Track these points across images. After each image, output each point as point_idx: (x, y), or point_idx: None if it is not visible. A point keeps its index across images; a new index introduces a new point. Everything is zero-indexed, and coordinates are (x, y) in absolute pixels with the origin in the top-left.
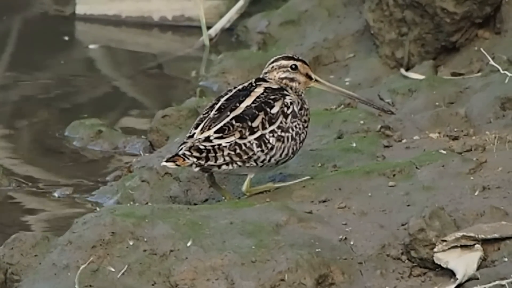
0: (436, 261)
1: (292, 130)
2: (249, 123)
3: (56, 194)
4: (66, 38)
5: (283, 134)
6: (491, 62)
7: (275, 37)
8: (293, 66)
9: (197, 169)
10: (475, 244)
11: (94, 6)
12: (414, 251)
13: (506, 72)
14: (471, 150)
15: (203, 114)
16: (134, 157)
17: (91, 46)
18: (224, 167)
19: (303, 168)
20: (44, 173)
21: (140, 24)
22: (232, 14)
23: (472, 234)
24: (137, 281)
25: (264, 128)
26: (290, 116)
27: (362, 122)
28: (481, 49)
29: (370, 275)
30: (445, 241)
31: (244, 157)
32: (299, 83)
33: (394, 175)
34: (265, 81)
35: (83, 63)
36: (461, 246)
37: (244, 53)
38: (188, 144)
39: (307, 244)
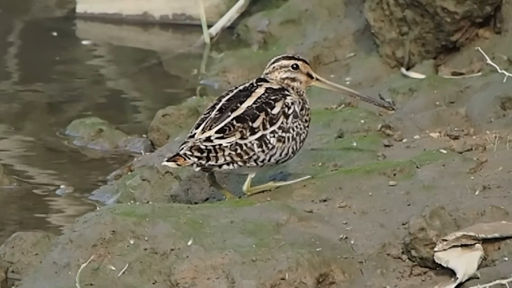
0: (436, 260)
1: (293, 130)
2: (250, 124)
3: (56, 193)
4: (66, 36)
5: (283, 134)
6: (489, 62)
7: (275, 36)
8: (294, 66)
9: (198, 168)
10: (475, 243)
11: (95, 5)
12: (414, 250)
13: (504, 71)
14: (471, 149)
15: (204, 114)
16: (134, 156)
17: (84, 42)
18: (225, 167)
19: (304, 167)
20: (44, 172)
21: (141, 22)
22: (232, 13)
23: (472, 234)
24: (137, 280)
25: (265, 128)
26: (291, 117)
27: (362, 121)
28: (480, 49)
29: (370, 274)
30: (445, 240)
31: (245, 157)
32: (301, 83)
33: (394, 175)
34: (266, 81)
35: (83, 61)
36: (462, 246)
37: (245, 52)
38: (189, 144)
39: (308, 243)
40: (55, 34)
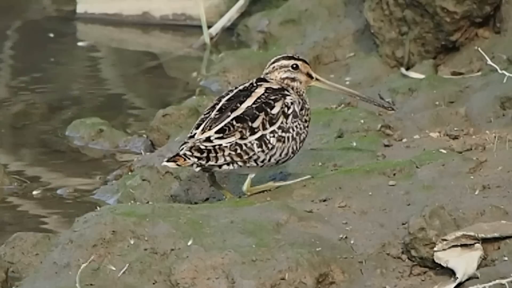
0: (436, 260)
1: (293, 130)
2: (250, 124)
3: (57, 193)
4: (64, 36)
5: (283, 134)
6: (489, 61)
7: (275, 36)
8: (294, 66)
9: (198, 169)
10: (475, 243)
11: (95, 5)
12: (414, 250)
13: (504, 72)
14: (471, 149)
15: (204, 114)
16: (135, 156)
17: (80, 44)
18: (225, 167)
19: (304, 167)
20: (45, 172)
21: (141, 23)
22: (232, 13)
23: (472, 233)
24: (137, 280)
25: (264, 128)
26: (290, 116)
27: (362, 121)
28: (480, 49)
29: (370, 274)
30: (445, 240)
31: (245, 157)
32: (300, 83)
33: (394, 174)
34: (266, 81)
35: (82, 62)
36: (461, 245)
37: (245, 52)
38: (189, 144)
39: (308, 243)
40: (51, 35)
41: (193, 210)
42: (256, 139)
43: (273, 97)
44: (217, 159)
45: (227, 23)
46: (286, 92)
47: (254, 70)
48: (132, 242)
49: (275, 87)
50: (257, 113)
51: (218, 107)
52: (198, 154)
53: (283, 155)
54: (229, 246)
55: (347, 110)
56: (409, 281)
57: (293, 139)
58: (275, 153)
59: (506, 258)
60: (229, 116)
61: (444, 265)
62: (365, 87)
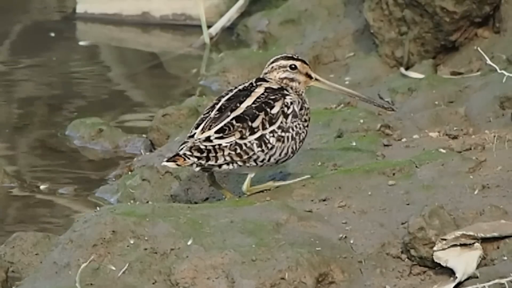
0: (435, 260)
1: (293, 130)
2: (250, 123)
3: (57, 193)
4: (64, 36)
5: (283, 134)
6: (488, 61)
7: (275, 36)
8: (293, 66)
9: (198, 168)
10: (474, 242)
11: (95, 5)
12: (413, 250)
13: (503, 71)
14: (470, 149)
15: (204, 114)
16: (134, 156)
17: (82, 43)
18: (224, 166)
19: (303, 167)
20: (45, 172)
21: (141, 23)
22: (232, 13)
23: (471, 233)
24: (137, 280)
25: (264, 128)
26: (290, 116)
27: (362, 121)
28: (479, 48)
29: (370, 274)
30: (444, 239)
31: (245, 157)
32: (299, 83)
33: (394, 174)
34: (266, 81)
35: (82, 62)
36: (461, 245)
37: (245, 52)
38: (189, 144)
39: (307, 243)
40: (52, 34)
41: (193, 210)
42: (255, 139)
43: (272, 97)
44: (216, 159)
45: (227, 23)
46: (285, 92)
47: (254, 70)
48: (132, 242)
49: (275, 87)
50: (256, 112)
51: (217, 106)
52: (198, 154)
53: (282, 154)
54: (229, 246)
55: (346, 110)
56: (408, 280)
57: (293, 138)
58: (274, 153)
59: (505, 258)
60: (229, 116)
61: (444, 264)
62: (365, 87)
